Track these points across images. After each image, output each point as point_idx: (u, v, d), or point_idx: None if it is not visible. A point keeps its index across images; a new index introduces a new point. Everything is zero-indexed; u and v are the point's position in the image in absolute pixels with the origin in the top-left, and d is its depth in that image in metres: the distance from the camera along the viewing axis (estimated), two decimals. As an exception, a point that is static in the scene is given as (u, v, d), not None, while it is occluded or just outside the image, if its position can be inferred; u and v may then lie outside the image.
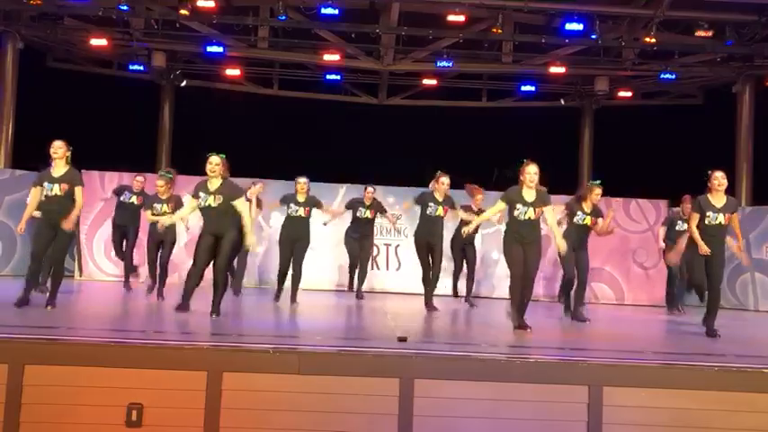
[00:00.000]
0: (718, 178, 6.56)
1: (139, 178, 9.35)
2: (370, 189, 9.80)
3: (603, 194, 7.62)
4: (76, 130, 12.90)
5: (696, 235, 6.58)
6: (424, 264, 8.20)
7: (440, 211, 8.04)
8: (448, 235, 8.78)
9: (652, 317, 8.99)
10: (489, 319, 6.63)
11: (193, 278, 6.49)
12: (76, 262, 11.71)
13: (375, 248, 11.99)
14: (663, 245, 9.46)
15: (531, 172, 6.36)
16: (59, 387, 4.45)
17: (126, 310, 7.47)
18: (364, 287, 9.94)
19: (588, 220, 7.95)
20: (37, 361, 4.46)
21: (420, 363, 4.67)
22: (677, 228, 9.27)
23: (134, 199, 9.13)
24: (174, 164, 14.70)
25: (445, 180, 8.08)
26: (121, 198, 9.23)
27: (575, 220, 7.82)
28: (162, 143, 15.19)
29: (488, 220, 6.75)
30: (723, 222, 6.56)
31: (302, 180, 8.41)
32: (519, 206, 6.38)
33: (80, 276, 11.52)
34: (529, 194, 6.40)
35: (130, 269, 9.23)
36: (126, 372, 4.48)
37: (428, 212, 8.05)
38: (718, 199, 6.60)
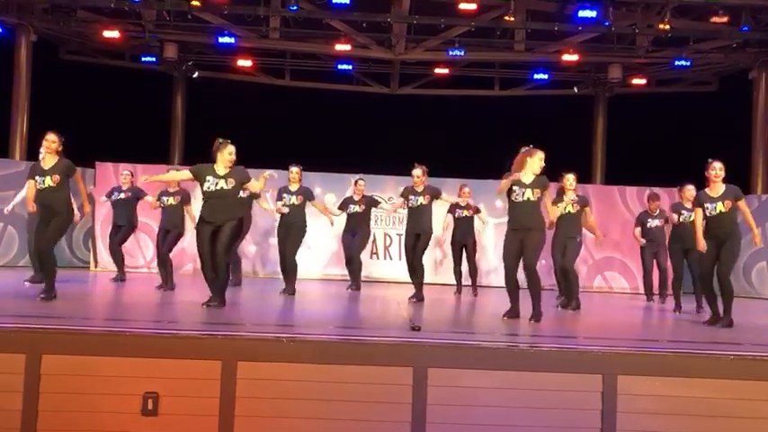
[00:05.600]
0: (716, 168, 6.53)
1: (125, 172, 9.31)
2: (360, 182, 9.61)
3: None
4: (90, 122, 13.02)
5: (699, 231, 6.54)
6: (409, 255, 8.12)
7: (420, 200, 8.04)
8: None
9: (666, 305, 8.94)
10: (502, 308, 6.63)
11: (208, 272, 6.36)
12: (91, 253, 11.82)
13: (387, 238, 11.99)
14: (643, 241, 9.21)
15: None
16: (76, 376, 4.50)
17: (140, 300, 7.51)
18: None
19: (572, 208, 7.96)
20: (54, 350, 4.50)
21: (434, 352, 4.67)
22: (648, 225, 9.16)
23: (122, 195, 9.07)
24: (187, 155, 14.81)
25: (415, 172, 8.09)
26: (112, 198, 9.15)
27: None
28: (174, 134, 15.29)
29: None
30: (724, 210, 6.47)
31: (294, 169, 8.49)
32: (516, 188, 6.37)
33: (95, 267, 11.62)
34: (527, 177, 6.38)
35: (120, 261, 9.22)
36: (141, 361, 4.51)
37: (410, 204, 8.10)
38: (715, 190, 6.55)
